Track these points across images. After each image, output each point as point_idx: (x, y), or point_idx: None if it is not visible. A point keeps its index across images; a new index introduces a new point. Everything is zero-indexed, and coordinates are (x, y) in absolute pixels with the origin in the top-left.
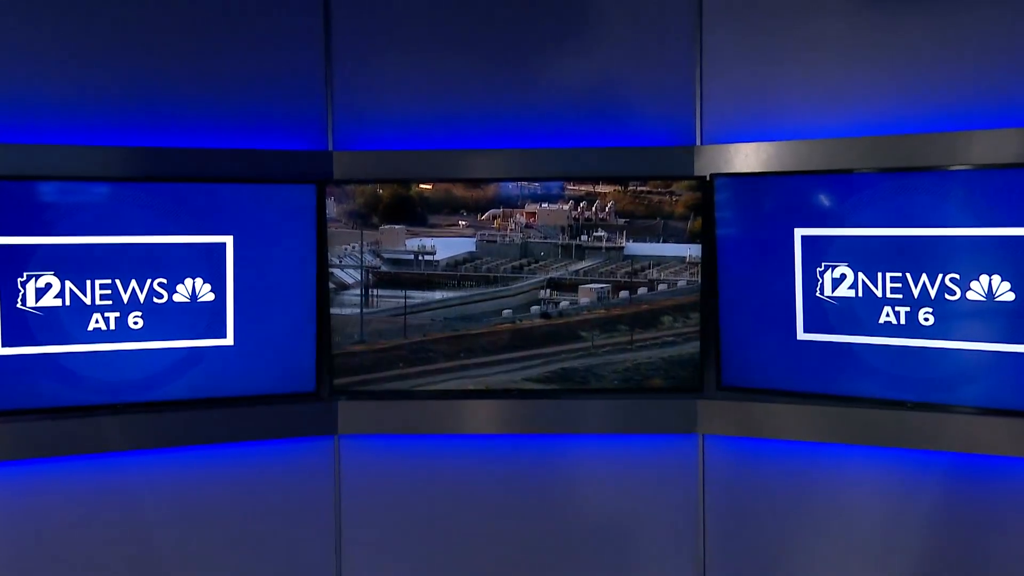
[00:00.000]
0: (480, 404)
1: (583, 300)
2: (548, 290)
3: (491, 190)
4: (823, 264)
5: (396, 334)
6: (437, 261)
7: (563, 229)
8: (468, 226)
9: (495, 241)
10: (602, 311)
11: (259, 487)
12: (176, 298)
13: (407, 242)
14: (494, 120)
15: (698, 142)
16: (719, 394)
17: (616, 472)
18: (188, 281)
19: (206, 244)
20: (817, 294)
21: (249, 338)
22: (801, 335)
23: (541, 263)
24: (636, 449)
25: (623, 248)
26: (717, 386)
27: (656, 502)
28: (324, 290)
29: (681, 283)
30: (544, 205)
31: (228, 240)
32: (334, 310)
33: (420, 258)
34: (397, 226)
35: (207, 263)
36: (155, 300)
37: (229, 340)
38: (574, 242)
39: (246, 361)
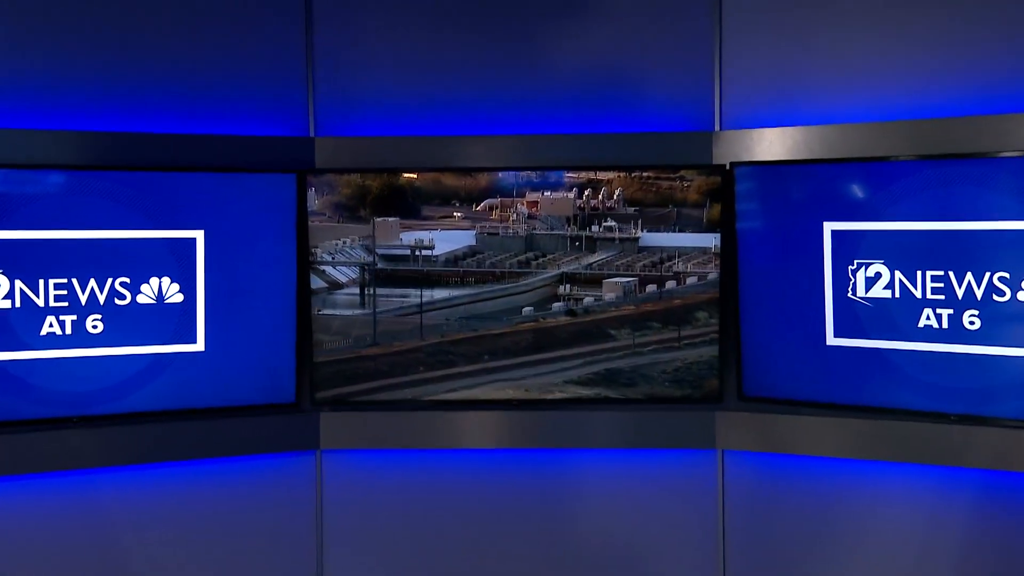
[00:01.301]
0: (478, 416)
1: (608, 296)
2: (567, 285)
3: (485, 178)
4: (855, 262)
5: (409, 335)
6: (436, 256)
7: (569, 220)
8: (464, 218)
9: (497, 234)
10: (631, 308)
11: (232, 507)
12: (140, 299)
13: (402, 236)
14: (492, 103)
15: (717, 127)
16: (740, 405)
17: (626, 492)
18: (154, 280)
19: (174, 240)
20: (849, 295)
21: (222, 343)
22: (831, 340)
23: (549, 257)
24: (648, 466)
25: (638, 239)
26: (738, 396)
27: (670, 525)
28: (305, 291)
29: (712, 276)
30: (547, 194)
31: (198, 235)
32: (328, 311)
33: (417, 253)
34: (390, 219)
35: (175, 261)
36: (117, 302)
37: (199, 346)
38: (584, 233)
39: (219, 369)
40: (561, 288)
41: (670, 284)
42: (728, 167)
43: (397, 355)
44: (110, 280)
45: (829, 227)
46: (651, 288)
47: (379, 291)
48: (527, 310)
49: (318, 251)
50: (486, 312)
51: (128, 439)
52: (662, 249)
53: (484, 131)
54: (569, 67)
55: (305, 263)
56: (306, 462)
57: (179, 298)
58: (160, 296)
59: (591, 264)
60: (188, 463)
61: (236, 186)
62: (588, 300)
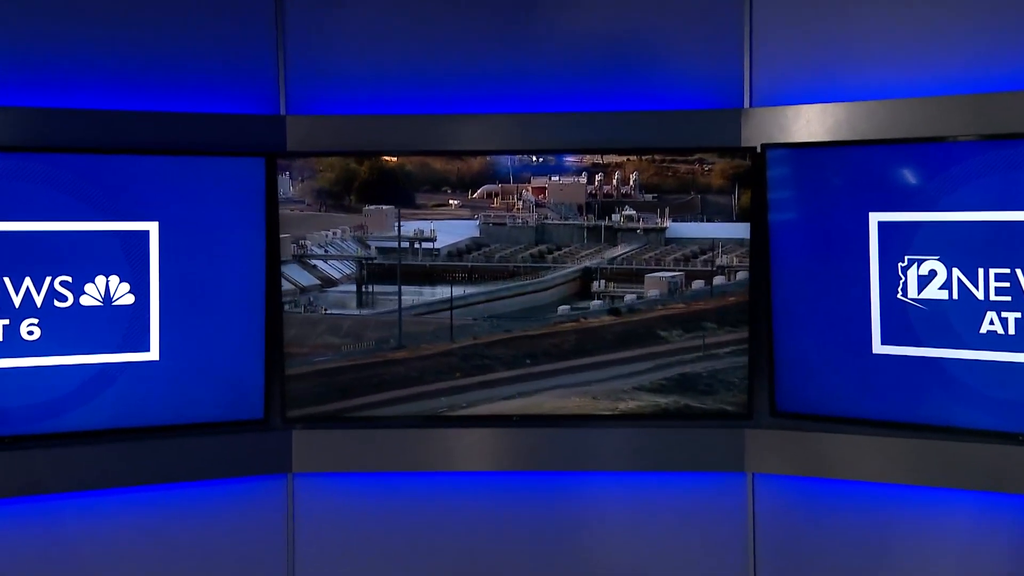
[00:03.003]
0: (473, 435)
1: (652, 293)
2: (602, 281)
3: (480, 162)
4: (907, 258)
5: (433, 337)
6: (438, 250)
7: (581, 208)
8: (462, 206)
9: (504, 224)
10: (681, 306)
11: (190, 540)
12: (85, 301)
13: (396, 226)
14: (488, 77)
15: (746, 104)
16: (772, 422)
17: (640, 521)
18: (100, 279)
19: (124, 232)
20: (899, 296)
21: (179, 352)
22: (878, 348)
23: (565, 250)
24: (666, 492)
25: (665, 229)
26: (770, 412)
27: (692, 561)
28: (275, 291)
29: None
30: (556, 179)
31: (152, 227)
32: (333, 310)
33: (417, 246)
34: (385, 207)
35: (125, 257)
36: (56, 304)
37: (153, 354)
38: (603, 223)
39: (175, 381)
40: (595, 284)
41: (719, 280)
42: (759, 149)
43: (427, 360)
44: (48, 279)
45: (876, 218)
46: (697, 284)
47: (377, 288)
48: (563, 309)
49: (308, 244)
50: (506, 311)
51: (67, 462)
52: (693, 241)
53: (479, 109)
54: (574, 35)
55: (276, 259)
56: (275, 487)
57: (129, 299)
58: (107, 297)
59: (615, 258)
60: (138, 489)
61: (196, 171)
62: (629, 297)
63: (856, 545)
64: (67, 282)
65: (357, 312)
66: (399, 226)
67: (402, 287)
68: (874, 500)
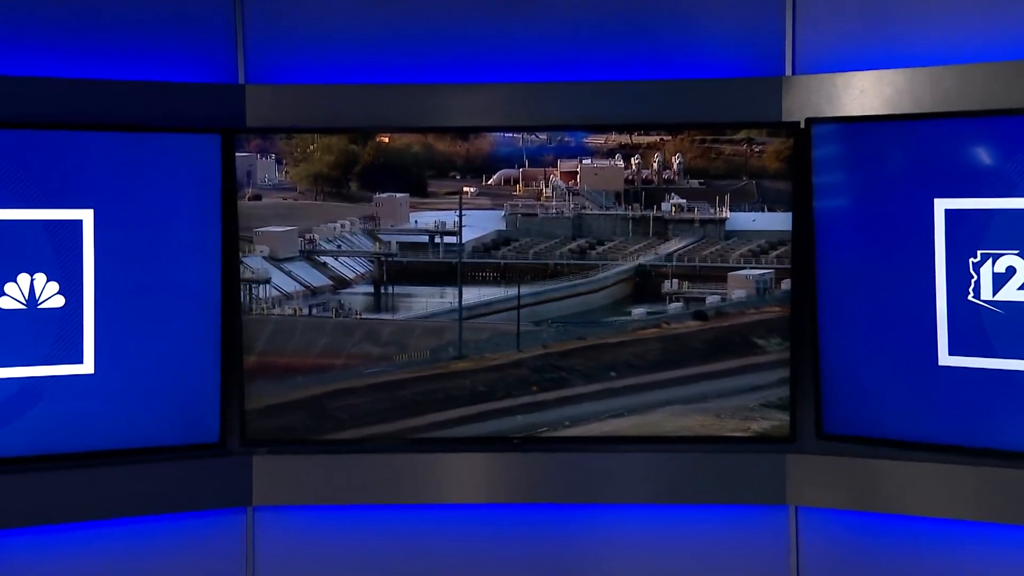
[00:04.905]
0: (464, 460)
1: (736, 293)
2: (675, 280)
3: (490, 141)
4: (979, 253)
5: (493, 345)
6: (461, 245)
7: (619, 196)
8: (479, 194)
9: (534, 215)
10: (776, 308)
11: None
12: (4, 303)
13: (412, 218)
14: (486, 38)
15: (788, 71)
16: (819, 446)
17: (664, 562)
18: (23, 278)
19: (51, 222)
20: (970, 298)
21: (118, 364)
22: (944, 359)
23: (609, 244)
24: (695, 527)
25: (725, 221)
26: (817, 435)
27: None
28: (233, 290)
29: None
30: (588, 162)
31: (86, 216)
32: (371, 316)
33: (437, 240)
34: (398, 195)
35: (53, 251)
36: None
37: (87, 367)
38: (650, 214)
39: (113, 398)
40: (668, 284)
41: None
42: (803, 125)
43: (493, 371)
44: None
45: (942, 205)
46: (787, 284)
47: (398, 290)
48: (638, 312)
49: (316, 238)
50: (556, 315)
51: None
52: (757, 234)
53: (474, 78)
54: None
55: (234, 253)
56: (233, 523)
57: (58, 301)
58: (32, 299)
59: (671, 254)
60: (68, 528)
61: (138, 149)
62: (712, 299)
63: None
64: None
65: (391, 316)
66: (424, 219)
67: (420, 288)
68: (937, 539)
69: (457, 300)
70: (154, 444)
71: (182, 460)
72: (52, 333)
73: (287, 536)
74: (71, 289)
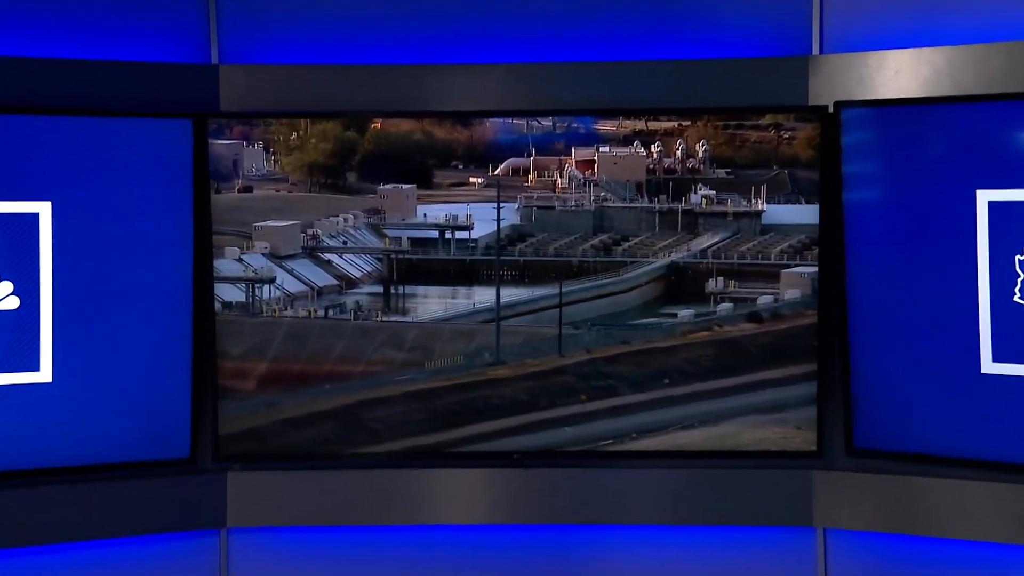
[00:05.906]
0: (461, 476)
1: (790, 293)
2: (719, 279)
3: (490, 128)
4: None
5: (538, 350)
6: (475, 241)
7: (640, 187)
8: (487, 185)
9: (551, 208)
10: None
11: None
12: None
13: (419, 211)
14: (481, 13)
15: (815, 50)
16: (849, 462)
17: None
18: None
19: (5, 216)
20: (1016, 299)
21: (78, 371)
22: (987, 367)
23: (635, 240)
24: (713, 551)
25: (761, 214)
26: (846, 450)
27: None
28: (205, 291)
29: None
30: (606, 150)
31: (43, 209)
32: (388, 319)
33: (448, 236)
34: (405, 186)
35: (7, 247)
36: None
37: (44, 375)
38: (679, 206)
39: (74, 409)
40: (711, 283)
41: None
42: (831, 109)
43: (533, 378)
44: None
45: (985, 197)
46: None
47: (407, 290)
48: (684, 314)
49: (319, 234)
50: (585, 316)
51: None
52: (796, 228)
53: (469, 58)
54: None
55: (208, 250)
56: (205, 547)
57: (12, 303)
58: None
59: (705, 250)
60: (22, 552)
61: (101, 136)
62: (764, 299)
63: None
64: None
65: (411, 319)
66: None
67: (431, 287)
68: (979, 564)
69: (474, 301)
70: (118, 460)
71: (149, 477)
72: (5, 338)
73: (264, 561)
74: (26, 290)
